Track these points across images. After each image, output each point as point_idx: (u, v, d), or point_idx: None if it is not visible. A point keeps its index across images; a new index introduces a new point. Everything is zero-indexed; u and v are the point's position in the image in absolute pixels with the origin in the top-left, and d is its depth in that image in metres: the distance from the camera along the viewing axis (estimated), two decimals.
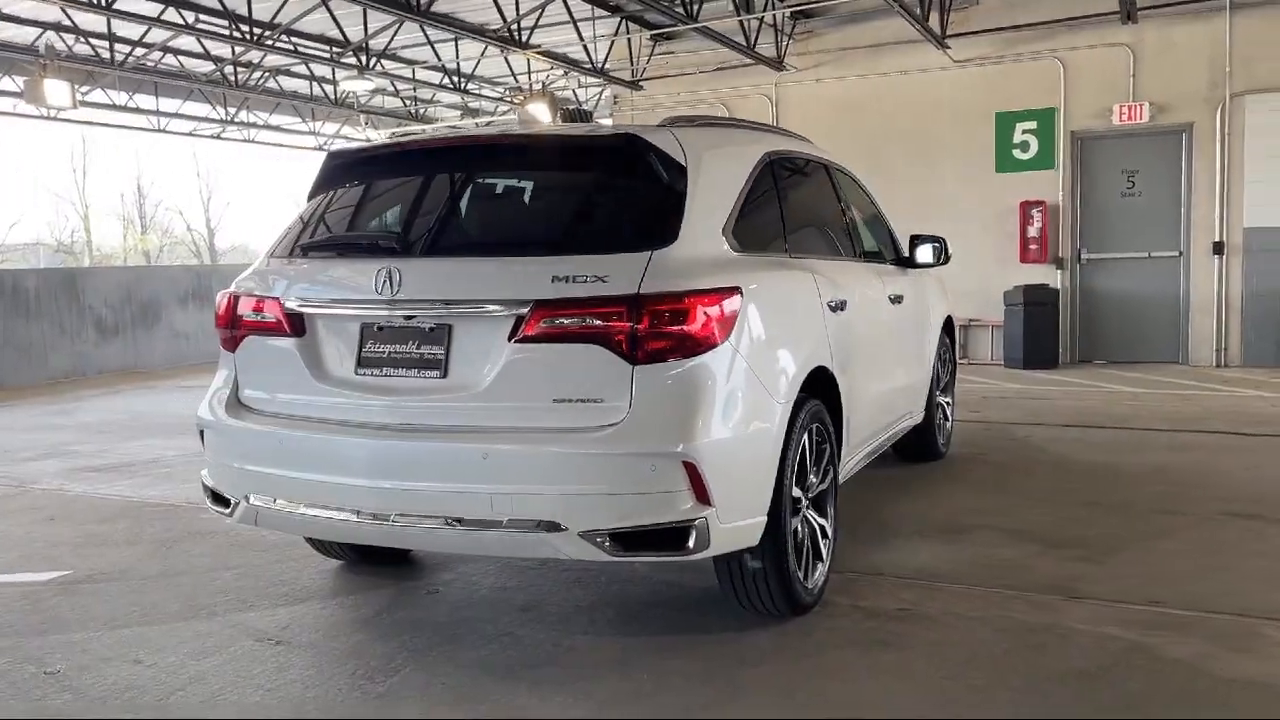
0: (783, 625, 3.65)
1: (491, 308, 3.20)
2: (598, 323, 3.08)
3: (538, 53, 11.05)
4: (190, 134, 17.18)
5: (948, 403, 6.58)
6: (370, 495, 3.22)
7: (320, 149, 17.90)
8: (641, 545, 3.06)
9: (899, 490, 5.65)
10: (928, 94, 11.64)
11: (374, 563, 4.42)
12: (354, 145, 4.10)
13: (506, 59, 12.93)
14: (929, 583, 4.08)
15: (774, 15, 11.31)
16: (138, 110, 15.75)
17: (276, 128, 17.19)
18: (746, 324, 3.27)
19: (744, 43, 10.82)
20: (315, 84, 14.54)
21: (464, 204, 3.70)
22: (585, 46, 11.88)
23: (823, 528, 3.86)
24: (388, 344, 3.36)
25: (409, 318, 3.31)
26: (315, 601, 4.03)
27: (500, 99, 14.85)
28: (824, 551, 3.86)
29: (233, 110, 16.46)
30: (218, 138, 17.39)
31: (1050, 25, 10.97)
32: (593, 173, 3.58)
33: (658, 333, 3.06)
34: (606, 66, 12.18)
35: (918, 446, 6.13)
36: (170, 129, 16.53)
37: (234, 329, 3.68)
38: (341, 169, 3.88)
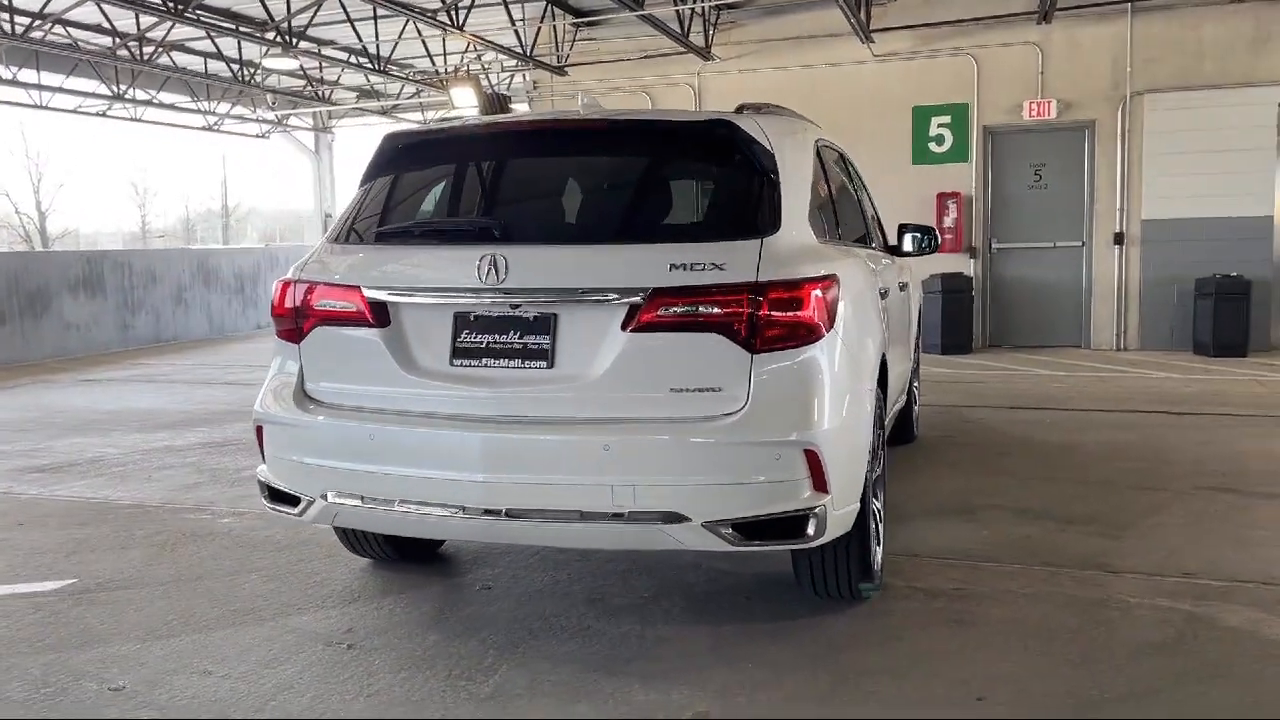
0: (853, 609, 3.71)
1: (604, 296, 3.14)
2: (717, 311, 3.06)
3: (473, 35, 10.79)
4: (75, 110, 16.09)
5: (916, 387, 6.79)
6: (480, 490, 3.11)
7: (210, 129, 17.05)
8: (762, 534, 3.06)
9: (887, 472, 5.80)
10: (849, 87, 11.92)
11: (409, 559, 4.27)
12: (416, 128, 3.91)
13: (424, 41, 12.61)
14: (968, 562, 4.22)
15: (700, 5, 11.37)
16: (15, 83, 14.66)
17: (171, 106, 16.26)
18: (843, 312, 3.30)
19: (660, 31, 10.82)
20: (224, 63, 13.83)
21: (562, 189, 3.61)
22: (516, 30, 11.68)
23: (879, 510, 3.94)
24: (486, 334, 3.25)
25: (515, 306, 3.21)
26: (366, 602, 3.87)
27: (420, 81, 14.44)
28: (880, 534, 3.94)
29: (124, 87, 15.47)
30: (103, 115, 16.35)
31: (965, 23, 11.39)
32: (691, 158, 3.54)
33: (777, 321, 3.06)
34: (533, 52, 12.01)
35: (897, 429, 6.31)
36: (53, 105, 15.46)
37: (300, 319, 3.49)
38: (404, 151, 3.73)
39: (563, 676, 3.20)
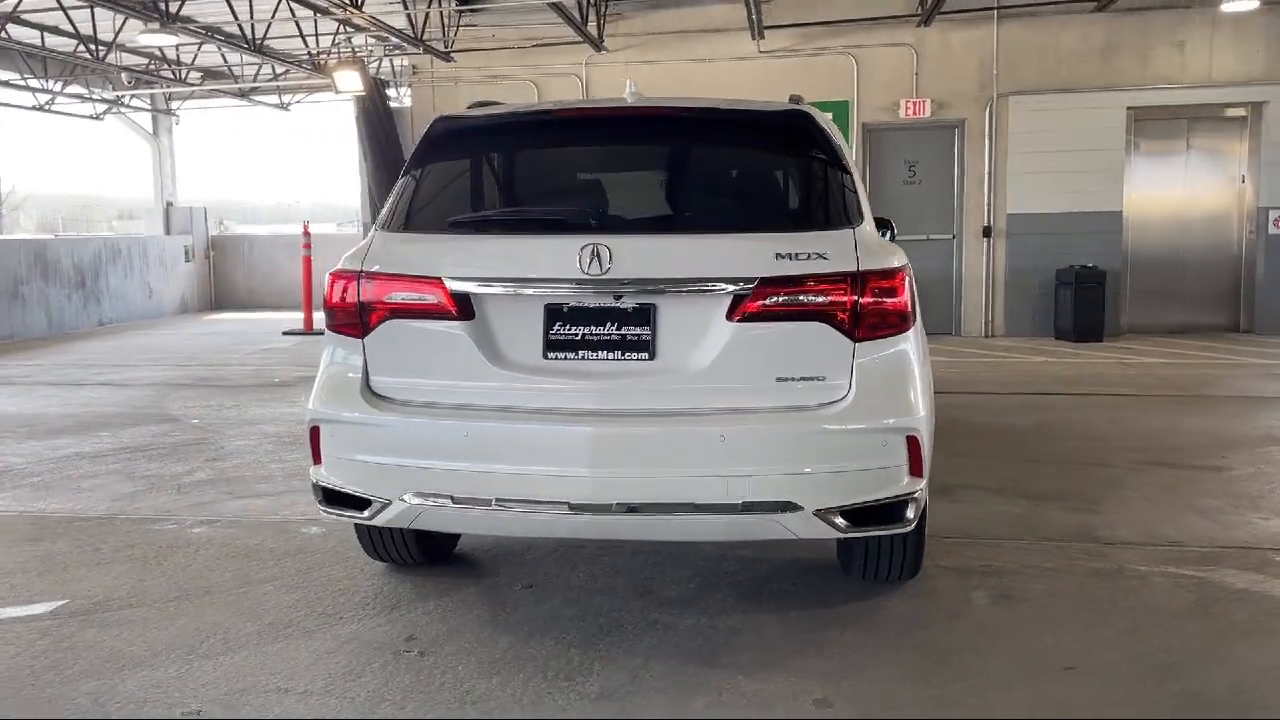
0: (899, 591, 3.83)
1: (711, 286, 3.12)
2: (822, 300, 3.11)
3: (370, 17, 10.34)
4: None
5: None
6: (589, 485, 3.03)
7: (42, 109, 15.69)
8: (868, 521, 3.13)
9: None
10: (734, 82, 12.14)
11: (432, 563, 4.11)
12: (476, 113, 3.72)
13: (298, 23, 12.02)
14: (975, 540, 4.42)
15: None
16: None
17: (5, 83, 14.82)
18: (916, 300, 3.41)
19: (562, 18, 10.75)
20: (78, 39, 12.72)
21: (647, 178, 3.54)
22: (409, 16, 11.29)
23: None
24: (582, 326, 3.17)
25: (618, 297, 3.14)
26: (410, 608, 3.72)
27: (295, 62, 13.71)
28: None
29: None
30: None
31: (847, 23, 11.81)
32: (771, 148, 3.55)
33: (877, 309, 3.14)
34: (415, 36, 11.64)
35: None
36: None
37: (365, 312, 3.30)
38: (463, 137, 3.59)
39: (660, 671, 3.18)
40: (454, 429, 3.14)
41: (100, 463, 6.16)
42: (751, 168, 3.62)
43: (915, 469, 3.15)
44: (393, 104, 12.81)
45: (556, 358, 3.18)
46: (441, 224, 3.45)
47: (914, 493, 3.15)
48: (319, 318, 14.53)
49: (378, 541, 3.95)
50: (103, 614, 3.72)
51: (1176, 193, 12.06)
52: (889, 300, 3.15)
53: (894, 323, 3.17)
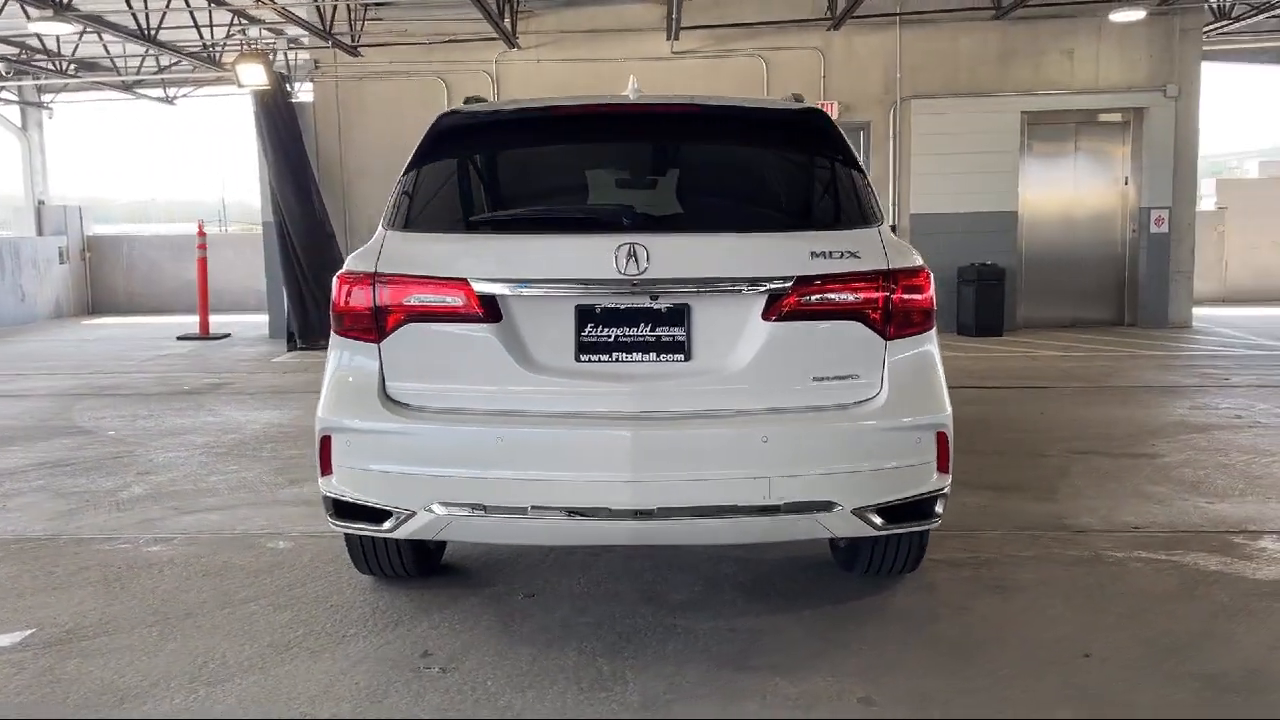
0: (900, 585, 3.89)
1: (748, 285, 3.10)
2: (856, 298, 3.12)
3: (277, 8, 9.91)
4: None
5: None
6: (629, 490, 2.97)
7: None
8: (902, 518, 3.16)
9: None
10: (646, 82, 12.12)
11: (422, 575, 3.97)
12: (481, 108, 3.59)
13: (192, 14, 11.44)
14: (954, 531, 4.51)
15: None
16: None
17: None
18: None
19: (480, 11, 10.55)
20: None
21: (673, 176, 3.48)
22: (318, 6, 10.87)
23: None
24: (615, 327, 3.10)
25: (654, 297, 3.08)
26: (415, 623, 3.58)
27: (192, 55, 13.03)
28: None
29: None
30: None
31: (757, 26, 11.95)
32: (791, 147, 3.55)
33: (907, 307, 3.17)
34: (324, 29, 11.23)
35: None
36: None
37: (380, 316, 3.15)
38: (474, 133, 3.51)
39: (696, 677, 3.14)
40: (486, 435, 3.04)
41: (21, 479, 5.75)
42: (776, 166, 3.61)
43: (943, 465, 3.20)
44: (292, 99, 12.34)
45: (589, 360, 3.11)
46: (461, 223, 3.34)
47: (943, 489, 3.20)
48: (218, 321, 13.86)
49: (370, 555, 3.79)
50: (79, 643, 3.47)
51: (1066, 193, 12.62)
52: (917, 298, 3.19)
53: (920, 320, 3.22)
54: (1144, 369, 9.31)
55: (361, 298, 3.18)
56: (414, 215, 3.37)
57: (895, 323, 3.16)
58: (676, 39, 11.67)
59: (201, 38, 12.26)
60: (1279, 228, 16.17)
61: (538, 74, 12.25)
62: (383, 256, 3.20)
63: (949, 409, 3.23)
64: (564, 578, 4.01)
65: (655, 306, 3.10)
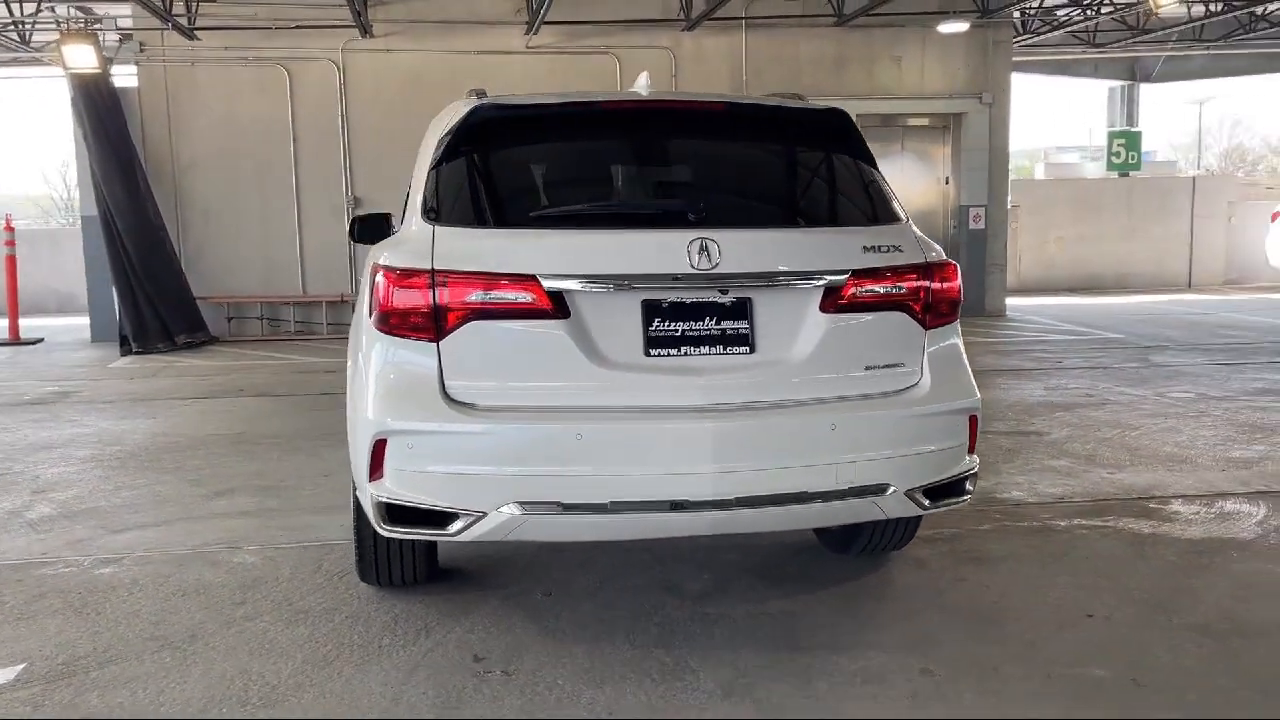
0: (893, 563, 4.12)
1: (807, 278, 3.22)
2: (901, 290, 3.31)
3: None
4: None
5: None
6: (710, 481, 3.02)
7: None
8: (942, 496, 3.36)
9: None
10: (499, 77, 12.02)
11: (427, 580, 3.87)
12: (519, 101, 3.49)
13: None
14: None
15: None
16: None
17: None
18: None
19: None
20: None
21: (719, 172, 3.52)
22: None
23: None
24: (681, 321, 3.14)
25: (724, 291, 3.14)
26: (447, 628, 3.49)
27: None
28: None
29: None
30: None
31: (610, 24, 12.07)
32: (822, 145, 3.65)
33: (942, 298, 3.39)
34: (164, 9, 10.44)
35: None
36: None
37: (441, 314, 3.05)
38: (510, 125, 3.43)
39: (758, 662, 3.24)
40: (565, 432, 3.01)
41: None
42: (814, 164, 3.73)
43: (972, 446, 3.44)
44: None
45: (658, 354, 3.14)
46: (522, 218, 3.29)
47: (974, 469, 3.44)
48: (29, 325, 12.65)
49: (384, 564, 3.67)
50: (87, 674, 3.19)
51: (896, 192, 13.43)
52: (950, 289, 3.41)
53: (949, 310, 3.44)
54: (983, 355, 10.07)
55: (416, 295, 3.08)
56: (460, 209, 3.29)
57: (933, 313, 3.37)
58: (537, 33, 11.63)
59: (12, 15, 11.16)
60: (1061, 225, 17.82)
61: (387, 64, 11.91)
62: (439, 252, 3.10)
63: (978, 393, 3.47)
64: (571, 575, 4.01)
65: (720, 300, 3.17)
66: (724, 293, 3.17)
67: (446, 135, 3.42)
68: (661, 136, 3.62)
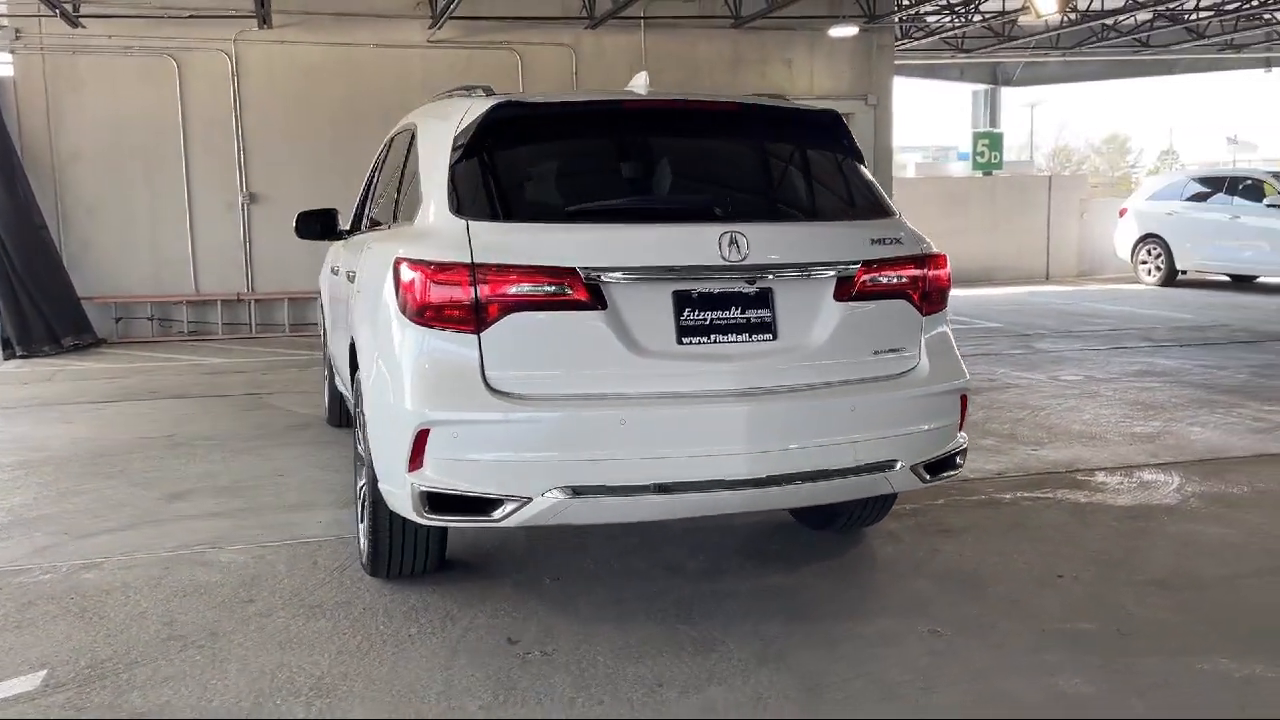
0: (868, 538, 4.39)
1: (824, 268, 3.43)
2: (904, 280, 3.57)
3: None
4: None
5: None
6: (744, 462, 3.20)
7: None
8: (939, 470, 3.63)
9: None
10: (398, 71, 11.90)
11: (436, 571, 3.93)
12: (538, 99, 3.56)
13: None
14: None
15: None
16: None
17: None
18: None
19: None
20: None
21: (731, 169, 3.67)
22: None
23: None
24: (710, 310, 3.31)
25: (751, 281, 3.32)
26: (470, 616, 3.57)
27: None
28: None
29: None
30: None
31: (511, 20, 12.09)
32: (827, 144, 3.85)
33: (936, 287, 3.67)
34: None
35: None
36: None
37: (481, 306, 3.13)
38: (530, 122, 3.53)
39: (779, 632, 3.43)
40: (610, 419, 3.14)
41: None
42: (820, 161, 3.91)
43: (961, 424, 3.73)
44: None
45: (690, 342, 3.30)
46: (557, 212, 3.39)
47: (965, 444, 3.73)
48: None
49: (397, 556, 3.72)
50: (118, 675, 3.14)
51: None
52: (942, 278, 3.70)
53: (940, 299, 3.72)
54: None
55: (457, 288, 3.16)
56: (493, 204, 3.38)
57: (929, 300, 3.64)
58: (440, 28, 11.55)
59: None
60: (933, 220, 18.67)
61: (283, 56, 11.63)
62: (477, 246, 3.18)
63: (968, 374, 3.76)
64: (571, 560, 4.13)
65: (745, 290, 3.35)
66: (750, 283, 3.35)
67: (465, 131, 3.49)
68: (680, 135, 3.78)
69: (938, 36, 15.50)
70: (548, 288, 3.18)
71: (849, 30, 12.88)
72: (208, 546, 4.36)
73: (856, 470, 3.40)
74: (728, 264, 3.30)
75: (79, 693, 3.04)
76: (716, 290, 3.34)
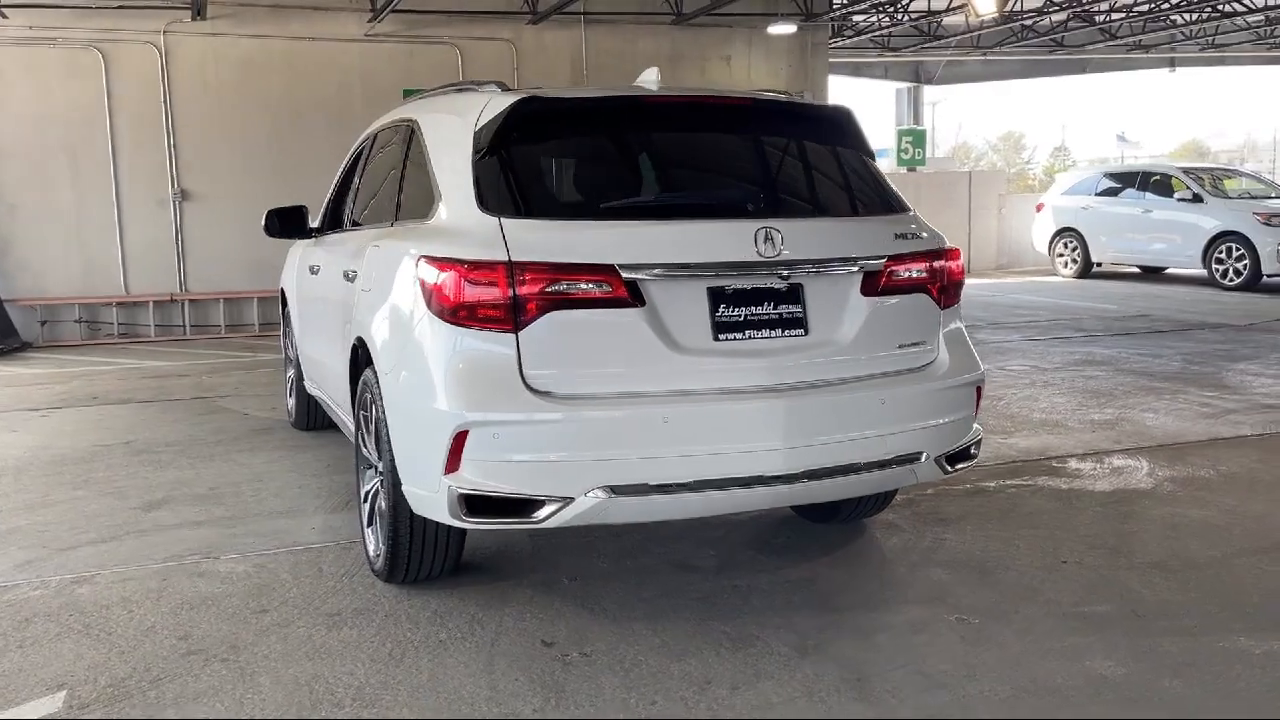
0: (873, 528, 4.46)
1: (853, 264, 3.47)
2: (925, 274, 3.62)
3: None
4: None
5: None
6: (782, 457, 3.21)
7: None
8: (959, 460, 3.70)
9: None
10: (336, 65, 11.66)
11: (452, 575, 3.87)
12: (561, 95, 3.48)
13: None
14: None
15: None
16: None
17: None
18: None
19: None
20: None
21: (766, 165, 3.66)
22: None
23: None
24: (743, 306, 3.31)
25: (784, 277, 3.33)
26: (496, 619, 3.52)
27: None
28: None
29: None
30: None
31: (452, 14, 11.93)
32: (843, 141, 3.86)
33: (954, 281, 3.74)
34: None
35: None
36: None
37: (519, 305, 3.08)
38: (555, 119, 3.49)
39: (813, 624, 3.46)
40: (652, 416, 3.12)
41: None
42: (840, 157, 3.92)
43: (976, 414, 3.80)
44: None
45: (726, 339, 3.30)
46: (589, 209, 3.34)
47: (980, 435, 3.81)
48: None
49: (416, 560, 3.64)
50: (143, 694, 3.02)
51: None
52: (958, 271, 3.77)
53: (956, 293, 3.80)
54: None
55: (493, 287, 3.10)
56: (526, 201, 3.33)
57: (947, 294, 3.71)
58: (381, 21, 11.34)
59: None
60: None
61: (215, 49, 11.28)
62: (513, 244, 3.13)
63: (983, 366, 3.84)
64: (583, 560, 4.10)
65: (777, 286, 3.37)
66: (783, 279, 3.37)
67: (488, 126, 3.44)
68: (702, 130, 3.77)
69: (866, 36, 15.79)
70: (587, 285, 3.15)
71: (788, 28, 13.04)
72: (201, 556, 4.21)
73: (887, 463, 3.44)
74: (762, 260, 3.31)
75: (108, 712, 2.91)
76: (749, 286, 3.35)
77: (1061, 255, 17.11)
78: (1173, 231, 15.60)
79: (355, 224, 4.95)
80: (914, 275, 3.62)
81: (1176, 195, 15.63)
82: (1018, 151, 79.08)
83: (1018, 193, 20.64)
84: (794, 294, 3.41)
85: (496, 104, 3.52)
